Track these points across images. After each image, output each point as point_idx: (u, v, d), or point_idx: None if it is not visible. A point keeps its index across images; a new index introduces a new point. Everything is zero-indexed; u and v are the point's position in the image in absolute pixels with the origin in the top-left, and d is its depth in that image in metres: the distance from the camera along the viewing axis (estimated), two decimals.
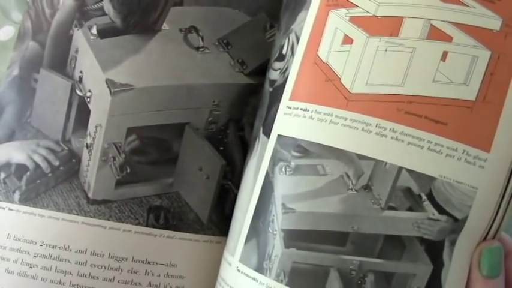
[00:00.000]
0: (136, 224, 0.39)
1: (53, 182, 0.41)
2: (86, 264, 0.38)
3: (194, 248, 0.40)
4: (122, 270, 0.38)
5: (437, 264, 0.30)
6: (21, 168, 0.41)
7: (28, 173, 0.40)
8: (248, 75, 0.43)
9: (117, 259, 0.38)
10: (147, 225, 0.40)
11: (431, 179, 0.30)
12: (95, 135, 0.41)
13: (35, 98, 0.43)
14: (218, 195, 0.42)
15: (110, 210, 0.40)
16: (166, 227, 0.40)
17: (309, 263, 0.31)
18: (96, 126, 0.41)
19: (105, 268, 0.38)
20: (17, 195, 0.40)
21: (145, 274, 0.39)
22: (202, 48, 0.43)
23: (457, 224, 0.30)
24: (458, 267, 0.31)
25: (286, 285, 0.31)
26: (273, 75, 0.39)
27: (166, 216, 0.41)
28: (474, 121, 0.30)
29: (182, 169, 0.42)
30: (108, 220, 0.39)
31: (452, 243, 0.30)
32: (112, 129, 0.41)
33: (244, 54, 0.44)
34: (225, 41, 0.44)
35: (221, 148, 0.43)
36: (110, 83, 0.40)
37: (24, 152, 0.41)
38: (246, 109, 0.44)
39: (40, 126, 0.43)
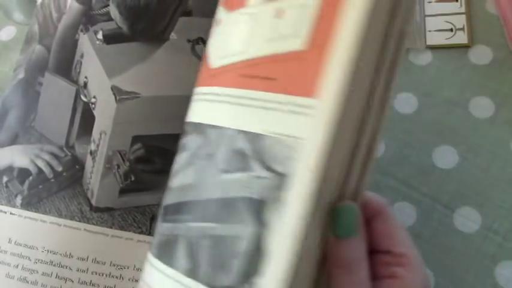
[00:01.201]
0: (139, 233, 0.40)
1: (56, 187, 0.41)
2: (87, 272, 0.38)
3: None
4: (123, 279, 0.38)
5: (262, 226, 0.27)
6: (23, 173, 0.40)
7: (31, 178, 0.40)
8: None
9: (119, 267, 0.38)
10: (149, 234, 0.40)
11: (260, 136, 0.28)
12: (99, 142, 0.41)
13: (39, 102, 0.42)
14: None
15: (113, 218, 0.40)
16: None
17: (166, 234, 0.32)
18: (100, 133, 0.41)
19: (106, 276, 0.38)
20: (18, 200, 0.39)
21: None
22: None
23: (281, 179, 0.27)
24: (287, 228, 0.26)
25: (156, 257, 0.32)
26: None
27: None
28: (303, 70, 0.28)
29: None
30: (111, 228, 0.39)
31: (278, 200, 0.27)
32: (117, 136, 0.41)
33: None
34: None
35: None
36: (115, 90, 0.40)
37: (27, 156, 0.41)
38: None
39: (44, 130, 0.43)
